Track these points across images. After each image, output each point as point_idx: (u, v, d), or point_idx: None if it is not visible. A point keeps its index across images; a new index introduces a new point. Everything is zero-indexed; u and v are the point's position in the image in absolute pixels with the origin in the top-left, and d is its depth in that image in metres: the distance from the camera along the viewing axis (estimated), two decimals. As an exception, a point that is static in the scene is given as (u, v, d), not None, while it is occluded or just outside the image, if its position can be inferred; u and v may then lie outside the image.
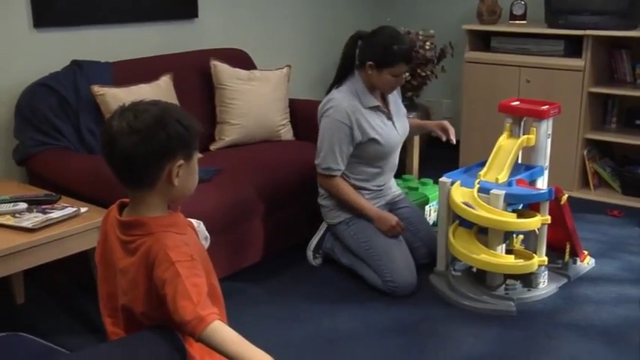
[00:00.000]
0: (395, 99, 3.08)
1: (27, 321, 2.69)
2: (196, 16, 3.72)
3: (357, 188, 2.96)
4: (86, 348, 1.45)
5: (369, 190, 3.01)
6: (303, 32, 4.46)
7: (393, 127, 2.98)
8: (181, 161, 1.49)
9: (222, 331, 1.35)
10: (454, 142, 3.11)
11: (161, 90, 3.07)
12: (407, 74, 4.31)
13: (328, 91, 2.96)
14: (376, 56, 2.81)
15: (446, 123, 3.17)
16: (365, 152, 2.91)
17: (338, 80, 2.95)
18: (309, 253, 3.12)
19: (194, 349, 1.47)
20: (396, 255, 2.88)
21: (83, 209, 2.41)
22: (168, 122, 1.48)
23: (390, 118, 2.98)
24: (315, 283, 2.99)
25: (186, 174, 1.52)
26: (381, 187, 3.05)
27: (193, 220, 1.78)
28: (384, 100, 2.99)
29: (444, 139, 3.16)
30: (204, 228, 1.82)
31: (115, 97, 2.89)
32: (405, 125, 3.09)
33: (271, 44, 4.22)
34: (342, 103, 2.84)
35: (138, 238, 1.48)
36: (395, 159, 3.07)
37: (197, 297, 1.37)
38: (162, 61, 3.32)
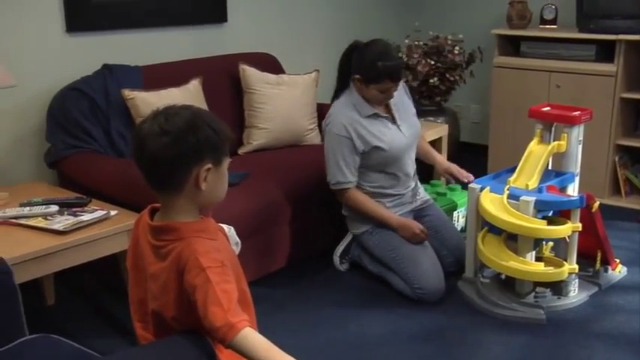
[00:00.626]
0: (400, 100, 3.01)
1: (57, 322, 2.72)
2: (226, 20, 3.74)
3: (376, 196, 2.94)
4: (116, 352, 1.45)
5: (390, 196, 2.97)
6: (331, 37, 4.46)
7: (399, 131, 2.94)
8: (209, 165, 1.49)
9: (252, 338, 1.35)
10: (470, 180, 3.04)
11: (190, 94, 3.08)
12: (435, 79, 4.29)
13: (330, 105, 2.97)
14: (362, 71, 2.81)
15: (451, 167, 3.16)
16: (371, 160, 2.89)
17: (337, 92, 2.96)
18: (336, 259, 3.11)
19: (224, 354, 1.47)
20: (423, 261, 2.86)
21: (113, 212, 2.43)
22: (198, 126, 1.48)
23: (394, 121, 2.94)
24: (342, 289, 2.98)
25: (215, 179, 1.52)
26: (403, 194, 3.01)
27: (224, 226, 1.78)
28: (386, 104, 2.95)
29: (452, 182, 3.20)
30: (234, 233, 1.82)
31: (145, 100, 2.91)
32: (414, 125, 3.04)
33: (300, 49, 4.23)
34: (339, 116, 2.85)
35: (169, 243, 1.48)
36: (408, 163, 3.00)
37: (228, 303, 1.36)
38: (192, 65, 3.34)
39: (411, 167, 3.02)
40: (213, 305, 1.36)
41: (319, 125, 3.58)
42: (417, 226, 2.90)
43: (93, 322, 2.71)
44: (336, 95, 2.96)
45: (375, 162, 2.89)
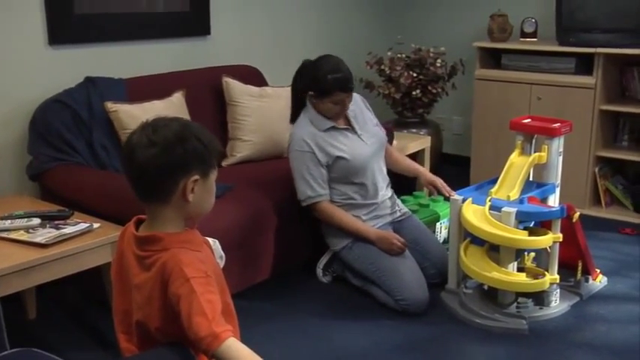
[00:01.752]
0: (358, 112, 3.07)
1: (39, 336, 2.70)
2: (209, 33, 3.75)
3: (349, 209, 2.96)
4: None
5: (364, 207, 2.99)
6: (315, 49, 4.43)
7: (360, 140, 2.98)
8: (197, 177, 1.50)
9: (236, 348, 1.35)
10: (452, 195, 3.05)
11: (174, 106, 3.09)
12: (418, 91, 4.33)
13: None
14: (315, 86, 2.90)
15: (436, 181, 3.19)
16: (336, 172, 2.93)
17: (293, 115, 3.04)
18: (319, 271, 3.12)
19: (208, 367, 1.47)
20: (404, 273, 2.86)
21: (96, 225, 2.42)
22: (187, 138, 1.50)
23: (354, 132, 2.99)
24: (326, 300, 2.98)
25: (202, 191, 1.53)
26: (376, 203, 3.02)
27: (209, 239, 1.79)
28: (345, 117, 3.01)
29: (436, 194, 3.25)
30: (219, 247, 1.83)
31: (128, 113, 2.91)
32: (376, 134, 3.08)
33: (284, 61, 4.24)
34: (298, 133, 2.92)
35: (154, 254, 1.49)
36: (375, 172, 3.02)
37: (212, 313, 1.37)
38: (175, 78, 3.35)
39: (380, 177, 3.04)
40: (197, 315, 1.37)
41: (302, 137, 3.60)
42: (394, 237, 2.91)
43: (76, 335, 2.69)
44: (294, 117, 3.03)
45: (340, 173, 2.93)
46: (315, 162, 2.88)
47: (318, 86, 2.89)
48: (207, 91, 3.45)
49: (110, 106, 2.93)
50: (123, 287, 1.59)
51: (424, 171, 3.34)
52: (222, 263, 1.80)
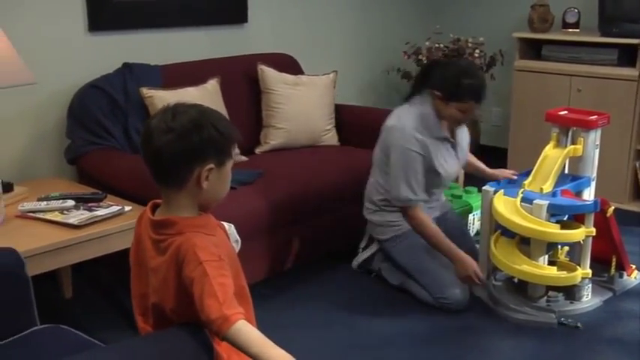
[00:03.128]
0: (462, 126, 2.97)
1: (74, 314, 2.78)
2: (246, 21, 3.78)
3: None
4: (117, 343, 1.48)
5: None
6: (352, 38, 4.47)
7: (456, 157, 2.91)
8: (212, 165, 1.51)
9: (246, 331, 1.37)
10: (514, 175, 3.02)
11: (208, 93, 3.12)
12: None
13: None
14: (445, 87, 2.70)
15: (499, 175, 3.09)
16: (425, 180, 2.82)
17: (408, 98, 2.88)
18: (355, 264, 3.09)
19: (222, 347, 1.49)
20: (445, 271, 2.80)
21: (127, 208, 2.47)
22: (203, 125, 1.50)
23: (454, 147, 2.90)
24: (354, 291, 2.97)
25: (217, 179, 1.54)
26: (432, 206, 2.97)
27: (225, 223, 1.80)
28: (451, 128, 2.89)
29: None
30: (234, 231, 1.84)
31: (163, 99, 2.95)
32: (465, 153, 3.01)
33: (320, 50, 4.25)
34: (410, 129, 2.73)
35: (168, 237, 1.51)
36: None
37: (223, 296, 1.39)
38: (211, 65, 3.38)
39: None
40: (209, 298, 1.39)
41: (337, 126, 3.60)
42: (472, 266, 2.76)
43: (108, 315, 2.76)
44: (405, 101, 2.87)
45: (426, 184, 2.82)
46: (422, 166, 2.74)
47: (450, 88, 2.69)
48: (243, 79, 3.47)
49: (145, 91, 2.97)
50: (140, 271, 1.62)
51: (484, 168, 3.22)
52: (237, 247, 1.81)
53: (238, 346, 1.37)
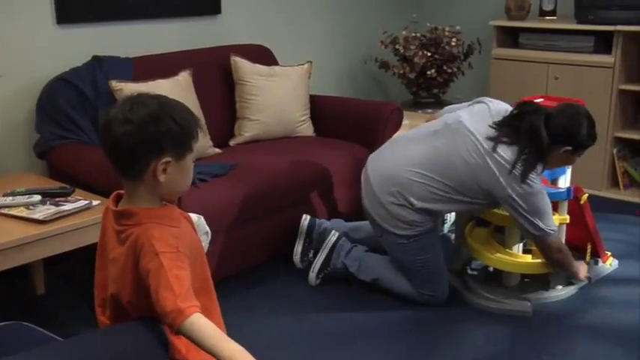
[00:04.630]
0: None
1: (47, 311, 2.75)
2: (219, 12, 3.74)
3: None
4: (72, 338, 1.47)
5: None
6: (328, 28, 4.45)
7: None
8: (169, 159, 1.50)
9: (200, 324, 1.36)
10: None
11: (180, 85, 3.09)
12: (433, 71, 4.28)
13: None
14: (577, 143, 2.54)
15: None
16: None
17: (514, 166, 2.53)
18: (313, 276, 2.91)
19: (181, 341, 1.48)
20: (445, 271, 2.77)
21: (95, 202, 2.44)
22: (161, 118, 1.48)
23: None
24: (326, 282, 2.94)
25: (176, 173, 1.52)
26: None
27: (193, 215, 1.79)
28: None
29: None
30: (204, 223, 1.83)
31: (133, 91, 2.88)
32: None
33: (296, 40, 4.22)
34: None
35: (128, 228, 1.50)
36: None
37: (179, 289, 1.38)
38: (183, 57, 3.35)
39: None
40: (164, 290, 1.38)
41: (312, 117, 3.58)
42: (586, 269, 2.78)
43: (80, 310, 2.72)
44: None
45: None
46: None
47: (582, 144, 2.55)
48: (216, 71, 3.44)
49: (115, 84, 2.94)
50: (102, 261, 1.61)
51: None
52: (207, 239, 1.80)
53: (192, 340, 1.36)
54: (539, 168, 2.52)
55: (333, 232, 2.94)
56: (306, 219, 2.97)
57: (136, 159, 1.48)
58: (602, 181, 3.97)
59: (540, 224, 2.51)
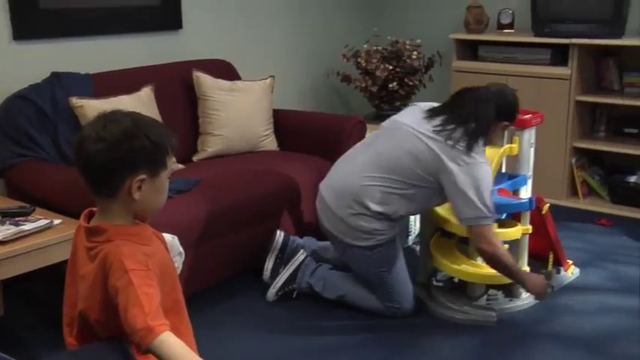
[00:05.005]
0: None
1: (7, 334, 2.68)
2: (181, 27, 3.73)
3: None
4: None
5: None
6: (291, 42, 4.46)
7: None
8: (143, 176, 1.49)
9: (169, 342, 1.35)
10: None
11: (142, 101, 3.07)
12: (395, 84, 4.32)
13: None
14: (510, 114, 2.72)
15: None
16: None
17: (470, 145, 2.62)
18: (272, 292, 2.88)
19: (149, 361, 1.46)
20: (408, 281, 2.78)
21: (57, 221, 2.41)
22: (135, 135, 1.48)
23: None
24: (295, 298, 2.92)
25: (150, 190, 1.52)
26: None
27: (167, 235, 1.77)
28: None
29: None
30: (178, 243, 1.81)
31: (94, 108, 2.88)
32: None
33: (257, 55, 4.23)
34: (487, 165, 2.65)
35: (98, 245, 1.49)
36: None
37: (148, 307, 1.36)
38: (144, 73, 3.33)
39: None
40: (133, 307, 1.36)
41: (275, 131, 3.59)
42: (544, 284, 2.68)
43: (42, 331, 2.67)
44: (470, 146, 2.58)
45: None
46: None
47: (513, 113, 2.73)
48: (178, 86, 3.43)
49: (75, 101, 2.90)
50: (72, 279, 1.60)
51: None
52: (181, 260, 1.79)
53: (161, 359, 1.34)
54: (482, 142, 2.62)
55: (301, 251, 2.94)
56: (280, 235, 2.96)
57: (110, 177, 1.47)
58: (561, 191, 4.05)
59: (478, 203, 2.52)
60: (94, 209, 1.60)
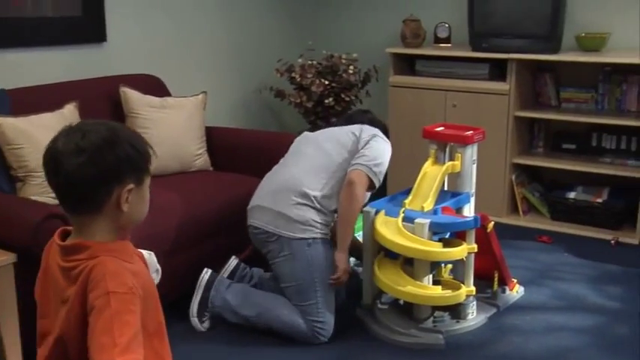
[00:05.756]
0: None
1: None
2: (105, 39, 3.68)
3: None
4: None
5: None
6: (222, 57, 4.47)
7: None
8: (131, 185, 1.46)
9: None
10: None
11: (65, 119, 2.99)
12: (331, 99, 4.38)
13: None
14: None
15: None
16: None
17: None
18: (194, 320, 2.91)
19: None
20: (332, 295, 2.85)
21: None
22: (118, 143, 1.44)
23: None
24: (231, 328, 2.91)
25: (137, 199, 1.49)
26: None
27: (144, 251, 1.73)
28: None
29: None
30: (155, 259, 1.77)
31: (13, 127, 2.82)
32: None
33: (189, 69, 4.22)
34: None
35: (80, 263, 1.43)
36: None
37: (120, 337, 1.31)
38: (67, 88, 3.27)
39: None
40: (103, 335, 1.31)
41: (208, 149, 3.58)
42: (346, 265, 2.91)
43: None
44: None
45: None
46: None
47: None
48: (104, 102, 3.38)
49: (-8, 119, 2.82)
50: (46, 306, 1.52)
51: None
52: (158, 277, 1.75)
53: None
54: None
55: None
56: (207, 272, 2.96)
57: (96, 191, 1.43)
58: (502, 208, 4.18)
59: (371, 161, 2.91)
60: (68, 228, 1.53)
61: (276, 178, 3.01)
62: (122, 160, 1.44)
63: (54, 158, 1.43)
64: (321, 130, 3.27)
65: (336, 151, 3.01)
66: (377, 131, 3.08)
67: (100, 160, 1.42)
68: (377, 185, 2.96)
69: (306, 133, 3.24)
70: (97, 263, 1.41)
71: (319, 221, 2.88)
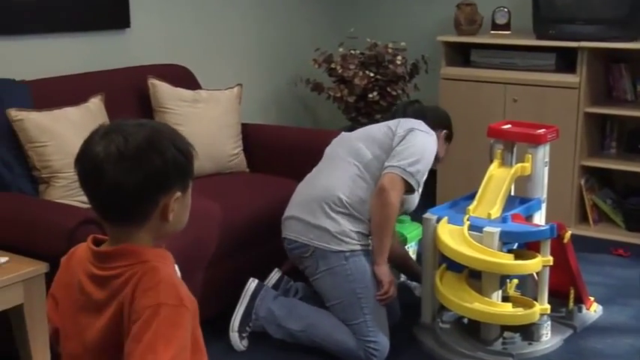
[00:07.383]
0: None
1: None
2: (128, 25, 3.73)
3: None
4: None
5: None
6: (254, 46, 4.51)
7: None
8: (179, 194, 1.46)
9: None
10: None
11: (91, 114, 3.06)
12: (375, 93, 4.40)
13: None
14: (449, 130, 3.25)
15: None
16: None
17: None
18: (234, 335, 2.95)
19: None
20: (383, 311, 2.87)
21: (2, 259, 2.37)
22: (163, 145, 1.44)
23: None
24: (270, 347, 2.94)
25: (181, 207, 1.50)
26: None
27: None
28: None
29: None
30: (178, 271, 1.81)
31: (36, 122, 2.87)
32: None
33: (218, 60, 4.25)
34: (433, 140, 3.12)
35: (126, 270, 1.44)
36: None
37: (163, 353, 1.32)
38: (91, 80, 3.32)
39: None
40: (146, 349, 1.33)
41: (245, 149, 3.61)
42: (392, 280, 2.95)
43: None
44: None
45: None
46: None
47: (451, 132, 3.25)
48: (130, 95, 3.43)
49: (14, 114, 2.86)
50: (71, 328, 1.52)
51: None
52: None
53: None
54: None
55: (251, 279, 2.99)
56: (253, 281, 2.99)
57: (142, 201, 1.43)
58: (569, 217, 4.16)
59: (405, 160, 2.89)
60: (99, 236, 1.54)
61: (308, 187, 3.05)
62: (169, 164, 1.43)
63: (93, 166, 1.42)
64: (359, 129, 3.28)
65: (370, 150, 3.03)
66: (418, 123, 3.06)
67: (146, 165, 1.41)
68: (416, 187, 2.94)
69: (342, 134, 3.26)
70: (149, 270, 1.42)
71: (356, 230, 2.90)
